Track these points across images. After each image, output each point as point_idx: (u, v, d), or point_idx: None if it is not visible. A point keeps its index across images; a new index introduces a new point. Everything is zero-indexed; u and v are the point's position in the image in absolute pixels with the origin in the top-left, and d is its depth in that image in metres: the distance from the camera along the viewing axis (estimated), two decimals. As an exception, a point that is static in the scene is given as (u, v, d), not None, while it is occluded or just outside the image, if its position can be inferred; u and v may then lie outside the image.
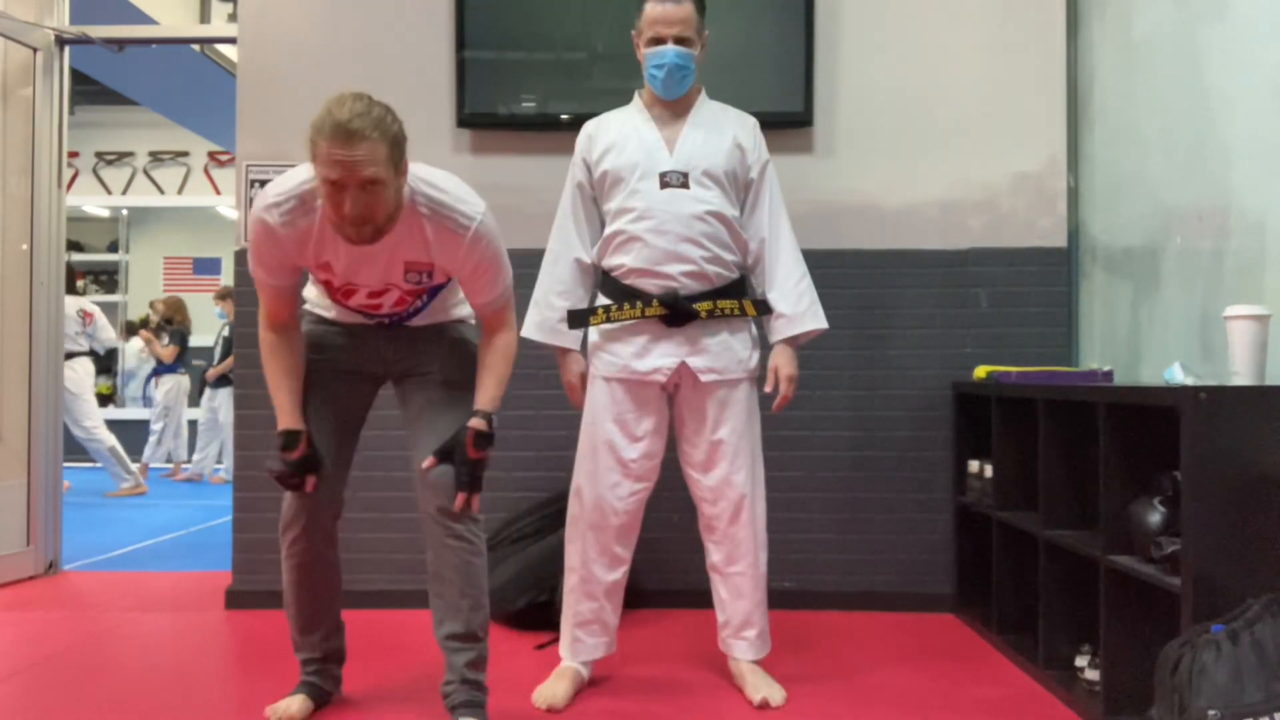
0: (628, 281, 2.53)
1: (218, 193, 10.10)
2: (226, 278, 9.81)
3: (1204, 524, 1.95)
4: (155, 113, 7.30)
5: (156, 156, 10.18)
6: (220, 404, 7.83)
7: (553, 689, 2.49)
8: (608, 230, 2.57)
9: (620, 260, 2.53)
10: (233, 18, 4.75)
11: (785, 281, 2.58)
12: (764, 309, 2.60)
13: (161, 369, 8.24)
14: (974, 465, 3.26)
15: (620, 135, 2.57)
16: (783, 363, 2.59)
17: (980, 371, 3.26)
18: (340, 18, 3.59)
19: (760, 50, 3.48)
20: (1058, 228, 3.51)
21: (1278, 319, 2.21)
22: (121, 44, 4.28)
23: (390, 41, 3.58)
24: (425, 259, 2.20)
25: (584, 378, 2.62)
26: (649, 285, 2.51)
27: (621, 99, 3.27)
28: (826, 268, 3.52)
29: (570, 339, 2.60)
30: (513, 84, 3.54)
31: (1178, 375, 2.31)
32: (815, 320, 2.59)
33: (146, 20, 4.86)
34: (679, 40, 2.49)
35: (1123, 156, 3.18)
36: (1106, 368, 3.07)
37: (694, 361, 2.52)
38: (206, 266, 10.37)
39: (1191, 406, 1.96)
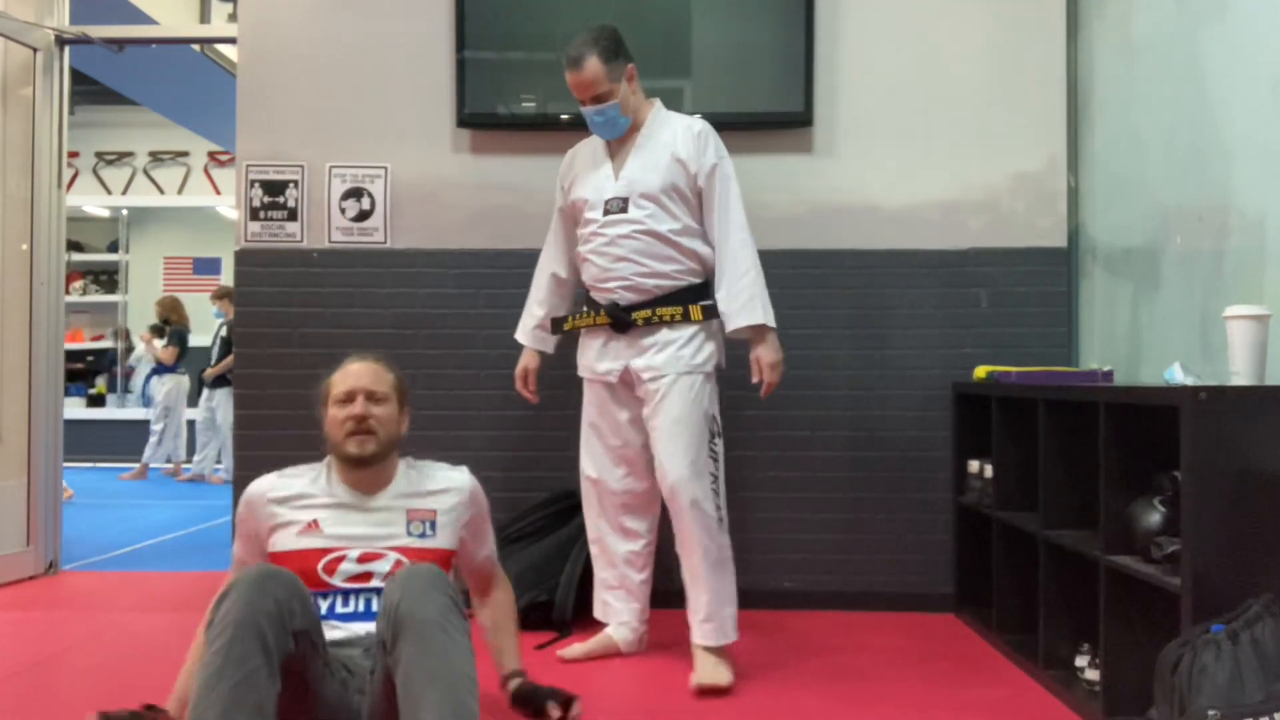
0: (590, 294, 2.85)
1: (218, 193, 10.09)
2: (226, 278, 9.81)
3: (1204, 524, 1.95)
4: (155, 113, 7.30)
5: (156, 156, 10.18)
6: (218, 404, 7.82)
7: (580, 644, 2.86)
8: (578, 250, 2.88)
9: (584, 276, 2.87)
10: (233, 18, 4.75)
11: (729, 280, 2.73)
12: (712, 313, 2.76)
13: (161, 369, 8.23)
14: (974, 465, 3.26)
15: (584, 169, 2.87)
16: (762, 352, 2.74)
17: (980, 371, 3.26)
18: (340, 18, 3.59)
19: (760, 50, 3.48)
20: (1058, 228, 3.51)
21: (1278, 319, 2.21)
22: (121, 44, 4.28)
23: (390, 41, 3.58)
24: (429, 506, 2.22)
25: (529, 373, 2.99)
26: (598, 298, 2.82)
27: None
28: (826, 268, 3.52)
29: (540, 341, 3.00)
30: (513, 84, 3.54)
31: (1178, 375, 2.31)
32: (749, 316, 2.69)
33: (146, 20, 4.86)
34: (595, 99, 2.70)
35: (1123, 156, 3.18)
36: (1106, 368, 3.07)
37: (636, 363, 2.76)
38: (206, 266, 10.36)
39: (1191, 406, 1.96)
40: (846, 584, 3.48)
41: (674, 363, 2.72)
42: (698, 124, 2.79)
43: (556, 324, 2.95)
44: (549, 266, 2.99)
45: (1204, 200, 2.63)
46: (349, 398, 2.18)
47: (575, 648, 2.86)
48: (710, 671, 2.61)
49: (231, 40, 4.07)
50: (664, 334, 2.73)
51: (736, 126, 3.50)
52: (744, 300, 2.69)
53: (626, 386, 2.80)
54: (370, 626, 2.08)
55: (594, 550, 2.94)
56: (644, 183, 2.73)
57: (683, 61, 3.49)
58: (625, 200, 2.74)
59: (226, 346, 7.70)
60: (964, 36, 3.53)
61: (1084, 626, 2.60)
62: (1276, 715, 1.68)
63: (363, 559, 2.13)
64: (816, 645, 3.04)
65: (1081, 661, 2.55)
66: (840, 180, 3.53)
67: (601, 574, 2.93)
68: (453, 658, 1.80)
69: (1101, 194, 3.34)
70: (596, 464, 2.87)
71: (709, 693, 2.55)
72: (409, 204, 3.58)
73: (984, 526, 3.15)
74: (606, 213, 2.75)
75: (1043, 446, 2.69)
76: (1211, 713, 1.71)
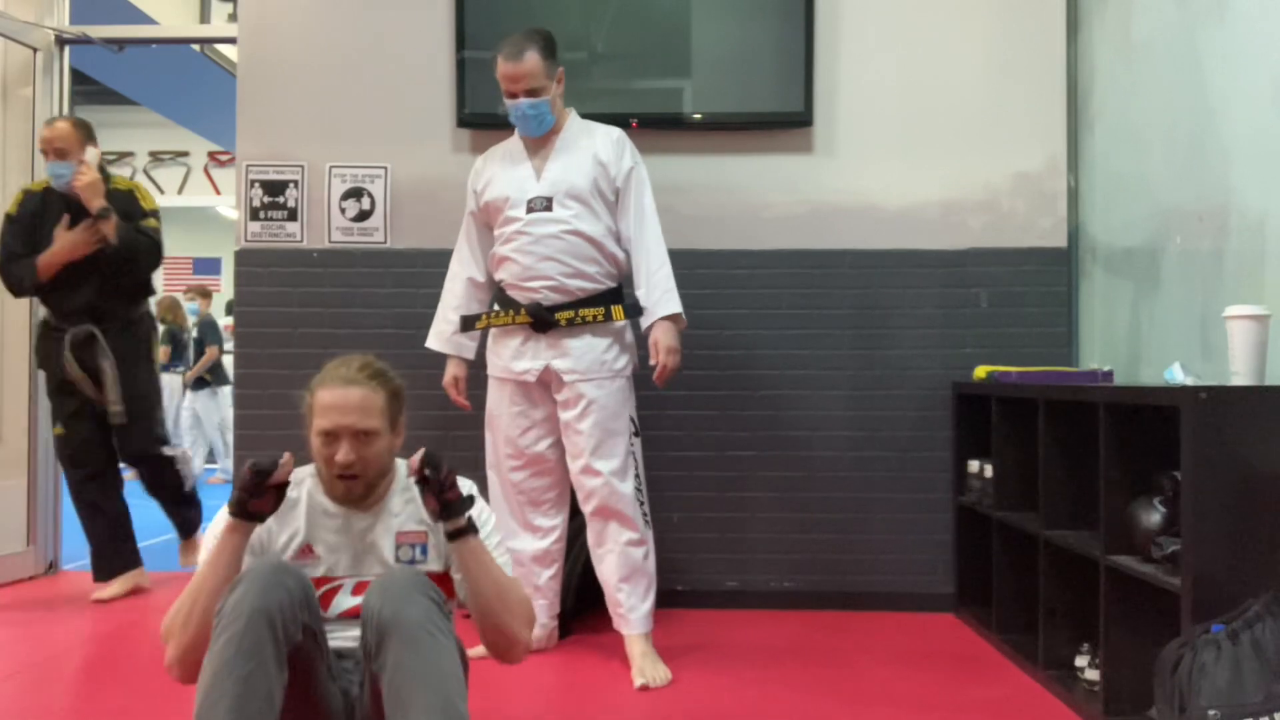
0: (508, 293, 2.86)
1: (218, 193, 10.10)
2: (226, 278, 9.80)
3: (1204, 524, 1.95)
4: (155, 113, 7.30)
5: (156, 156, 10.18)
6: (200, 405, 7.83)
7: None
8: (493, 251, 2.90)
9: (501, 276, 2.88)
10: (233, 18, 4.76)
11: (646, 276, 2.82)
12: (634, 312, 2.83)
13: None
14: (974, 465, 3.26)
15: (499, 169, 2.89)
16: (661, 337, 2.81)
17: (980, 371, 3.26)
18: (340, 18, 3.59)
19: (760, 50, 3.48)
20: (1058, 228, 3.51)
21: (1278, 319, 2.21)
22: (121, 44, 4.28)
23: (390, 41, 3.58)
24: (419, 528, 2.01)
25: (459, 381, 3.00)
26: (519, 297, 2.82)
27: (621, 99, 3.28)
28: (826, 268, 3.52)
29: (461, 348, 2.99)
30: (513, 84, 3.54)
31: (1178, 375, 2.31)
32: (667, 307, 2.80)
33: (146, 20, 4.87)
34: (528, 92, 2.75)
35: (1123, 156, 3.18)
36: (1106, 368, 3.07)
37: (557, 364, 2.80)
38: (206, 266, 10.38)
39: (1191, 406, 1.96)
40: (846, 584, 3.48)
41: (599, 368, 2.79)
42: (615, 131, 2.89)
43: (467, 322, 2.95)
44: (464, 272, 2.97)
45: (1204, 200, 2.63)
46: (333, 437, 1.91)
47: (479, 648, 2.75)
48: (652, 671, 2.67)
49: (231, 40, 4.07)
50: (587, 337, 2.79)
51: (736, 126, 3.51)
52: (662, 292, 2.80)
53: (543, 386, 2.84)
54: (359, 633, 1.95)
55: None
56: (569, 183, 2.79)
57: (683, 61, 3.49)
58: (549, 200, 2.78)
59: (201, 346, 7.74)
60: (964, 36, 3.53)
61: (1084, 626, 2.61)
62: (1276, 715, 1.68)
63: (357, 590, 1.98)
64: (817, 645, 3.04)
65: (1081, 661, 2.55)
66: (840, 180, 3.53)
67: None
68: (439, 659, 1.76)
69: (1101, 194, 3.34)
70: (503, 467, 2.90)
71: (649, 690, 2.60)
72: (409, 204, 3.58)
73: (984, 526, 3.15)
74: (530, 210, 2.78)
75: (1043, 446, 2.69)
76: (1211, 713, 1.71)
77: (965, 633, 3.20)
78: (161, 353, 8.12)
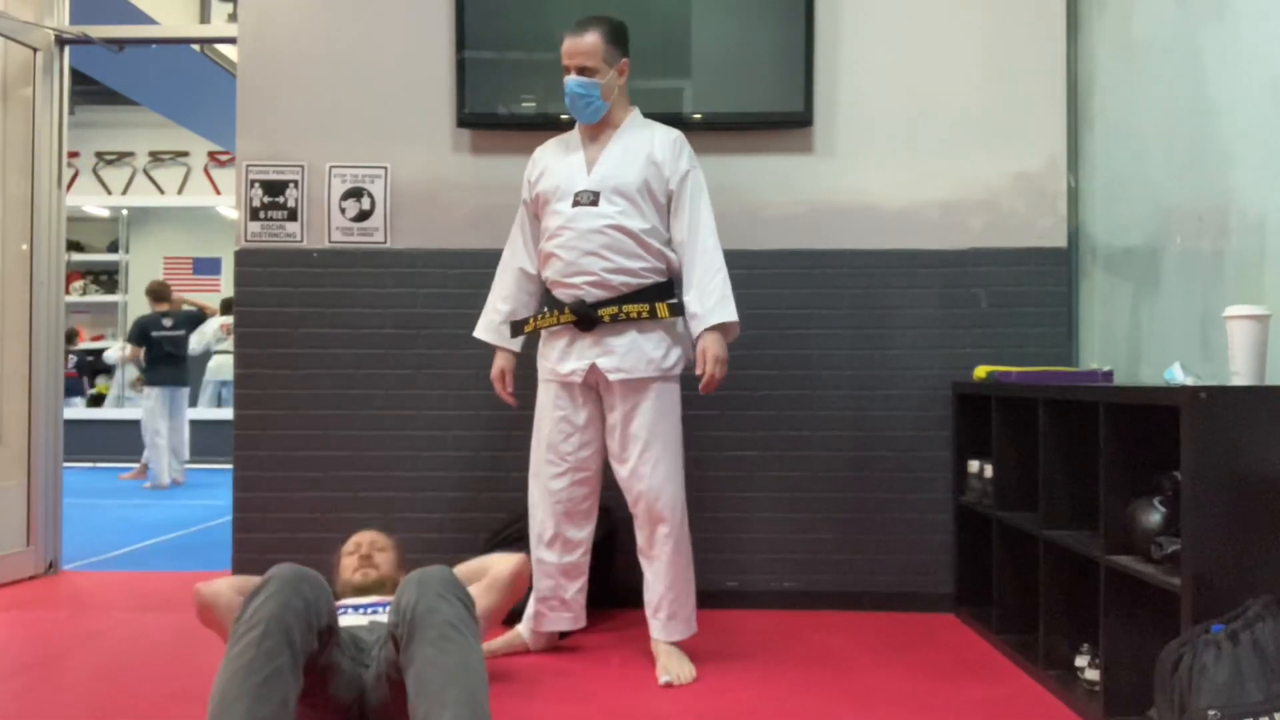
0: (553, 292, 2.80)
1: (218, 193, 10.10)
2: (226, 277, 9.81)
3: (1204, 524, 1.95)
4: (155, 113, 7.30)
5: (156, 156, 10.19)
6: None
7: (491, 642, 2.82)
8: (539, 247, 2.86)
9: (546, 273, 2.82)
10: (233, 18, 4.75)
11: (699, 282, 2.75)
12: (679, 310, 2.78)
13: None
14: (974, 465, 3.26)
15: (553, 160, 2.85)
16: (709, 345, 2.73)
17: (980, 371, 3.26)
18: (340, 18, 3.59)
19: (760, 50, 3.48)
20: (1058, 228, 3.51)
21: (1278, 319, 2.21)
22: (121, 44, 4.28)
23: (390, 41, 3.58)
24: None
25: (505, 374, 2.94)
26: (563, 294, 2.77)
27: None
28: (826, 268, 3.52)
29: (505, 339, 2.94)
30: (513, 84, 3.54)
31: (1178, 375, 2.31)
32: (722, 314, 2.72)
33: (146, 20, 4.87)
34: (581, 70, 2.72)
35: (1123, 156, 3.18)
36: (1106, 368, 3.07)
37: (602, 362, 2.73)
38: (206, 266, 10.38)
39: (1191, 406, 1.96)
40: (846, 584, 3.48)
41: (645, 367, 2.72)
42: (674, 132, 2.84)
43: (516, 326, 2.90)
44: (514, 262, 2.93)
45: (1204, 200, 2.63)
46: (356, 548, 2.62)
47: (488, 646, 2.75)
48: (677, 668, 2.67)
49: (231, 40, 4.07)
50: (632, 335, 2.73)
51: (736, 126, 3.51)
52: (717, 299, 2.73)
53: (589, 387, 2.78)
54: (373, 616, 2.23)
55: (535, 559, 2.83)
56: (618, 178, 2.74)
57: (683, 61, 3.49)
58: (596, 194, 2.73)
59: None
60: (964, 36, 3.53)
61: (1084, 626, 2.61)
62: (1276, 715, 1.69)
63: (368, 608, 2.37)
64: (816, 645, 3.04)
65: (1081, 661, 2.55)
66: (840, 180, 3.53)
67: (538, 585, 2.84)
68: (469, 659, 1.85)
69: (1101, 194, 3.34)
70: (545, 473, 2.82)
71: (676, 688, 2.61)
72: (409, 204, 3.58)
73: (984, 526, 3.15)
74: (575, 204, 2.74)
75: (1043, 446, 2.69)
76: (1211, 713, 1.71)
77: (965, 633, 3.20)
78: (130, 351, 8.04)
